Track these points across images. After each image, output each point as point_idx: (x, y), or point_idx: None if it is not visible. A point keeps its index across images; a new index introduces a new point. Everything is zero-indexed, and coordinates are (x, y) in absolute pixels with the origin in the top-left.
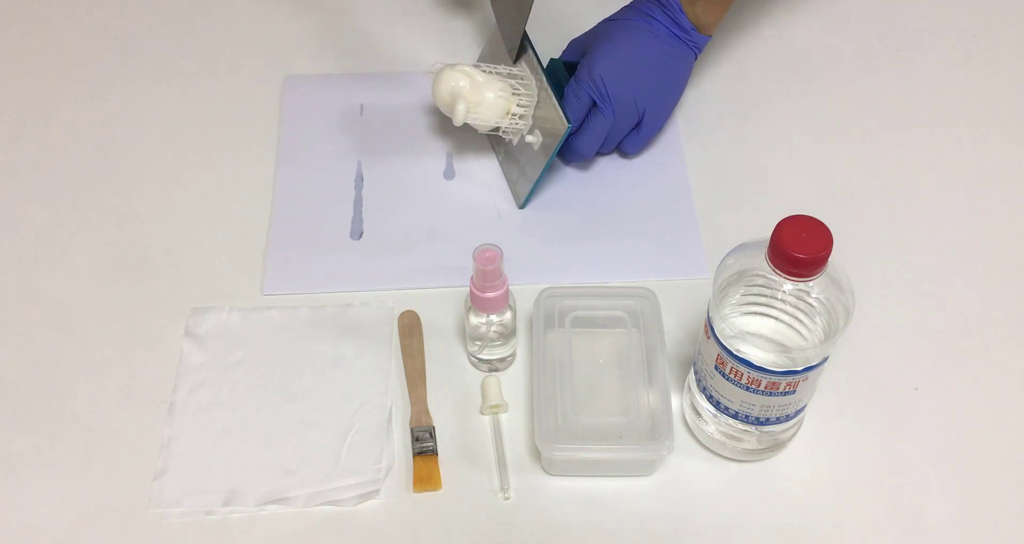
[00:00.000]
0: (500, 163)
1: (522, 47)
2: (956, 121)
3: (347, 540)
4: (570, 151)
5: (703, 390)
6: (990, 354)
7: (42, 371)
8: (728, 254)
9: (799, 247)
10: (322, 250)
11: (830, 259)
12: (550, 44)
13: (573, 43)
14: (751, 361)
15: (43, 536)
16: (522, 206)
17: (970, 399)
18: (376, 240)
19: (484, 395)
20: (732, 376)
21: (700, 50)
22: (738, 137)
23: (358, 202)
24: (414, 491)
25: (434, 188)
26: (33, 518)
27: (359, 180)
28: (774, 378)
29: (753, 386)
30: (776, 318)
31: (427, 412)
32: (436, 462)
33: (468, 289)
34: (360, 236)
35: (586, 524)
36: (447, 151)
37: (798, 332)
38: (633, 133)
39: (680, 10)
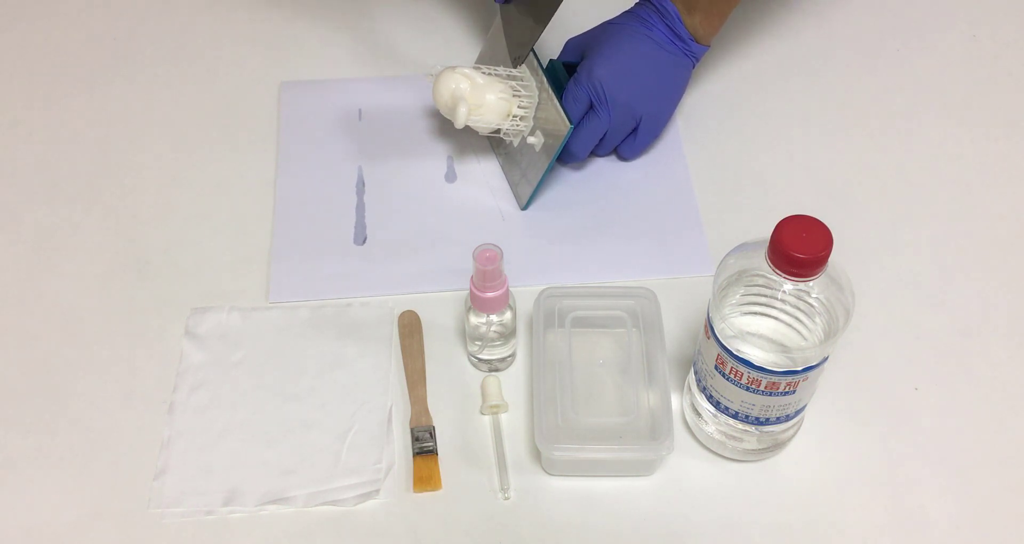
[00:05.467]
0: (501, 165)
1: None
2: (956, 121)
3: (347, 540)
4: (564, 151)
5: (703, 390)
6: (990, 354)
7: (42, 371)
8: (728, 254)
9: (799, 247)
10: (327, 256)
11: (830, 259)
12: (548, 44)
13: (570, 43)
14: (751, 361)
15: (43, 536)
16: (524, 207)
17: (970, 399)
18: (380, 245)
19: (484, 395)
20: (732, 376)
21: (697, 60)
22: (738, 137)
23: (360, 207)
24: (414, 491)
25: (436, 191)
26: (33, 518)
27: (360, 185)
28: (774, 378)
29: (753, 386)
30: (776, 318)
31: (427, 412)
32: (436, 462)
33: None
34: (364, 241)
35: (586, 524)
36: (448, 154)
37: (798, 332)
38: (630, 138)
39: (679, 19)
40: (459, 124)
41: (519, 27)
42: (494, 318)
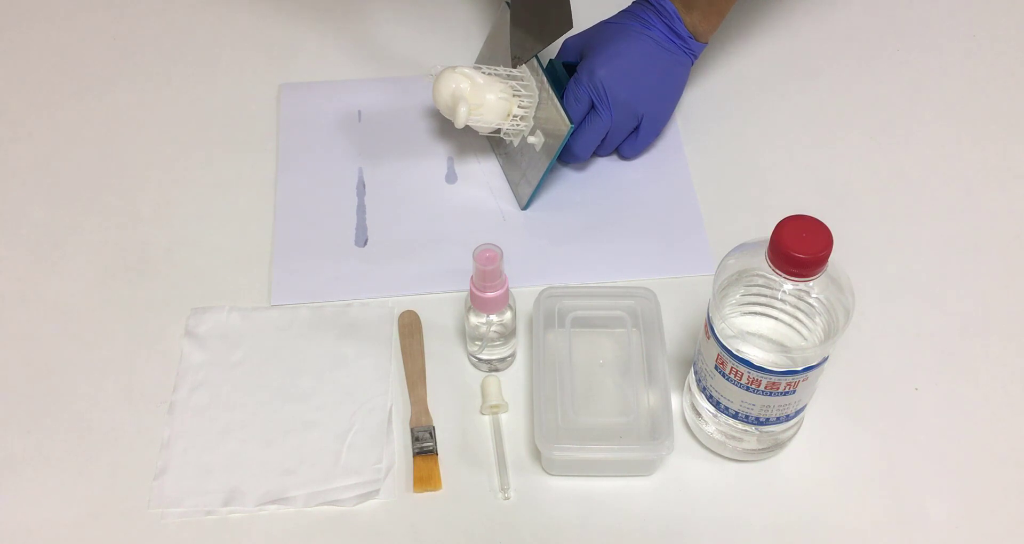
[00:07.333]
0: (501, 165)
1: None
2: (956, 121)
3: (347, 540)
4: (566, 152)
5: (703, 390)
6: (990, 354)
7: (42, 371)
8: (728, 254)
9: (799, 247)
10: (328, 258)
11: (830, 259)
12: None
13: (568, 43)
14: (751, 361)
15: (43, 536)
16: (525, 207)
17: (970, 399)
18: (381, 246)
19: (484, 395)
20: (732, 376)
21: (696, 57)
22: (738, 137)
23: (361, 209)
24: (414, 491)
25: (436, 192)
26: (33, 518)
27: (361, 186)
28: (774, 378)
29: (753, 386)
30: (776, 318)
31: (427, 412)
32: (436, 462)
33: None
34: (365, 243)
35: (586, 524)
36: (448, 155)
37: (798, 332)
38: (631, 137)
39: (677, 17)
40: (459, 124)
41: (524, 28)
42: (494, 318)
